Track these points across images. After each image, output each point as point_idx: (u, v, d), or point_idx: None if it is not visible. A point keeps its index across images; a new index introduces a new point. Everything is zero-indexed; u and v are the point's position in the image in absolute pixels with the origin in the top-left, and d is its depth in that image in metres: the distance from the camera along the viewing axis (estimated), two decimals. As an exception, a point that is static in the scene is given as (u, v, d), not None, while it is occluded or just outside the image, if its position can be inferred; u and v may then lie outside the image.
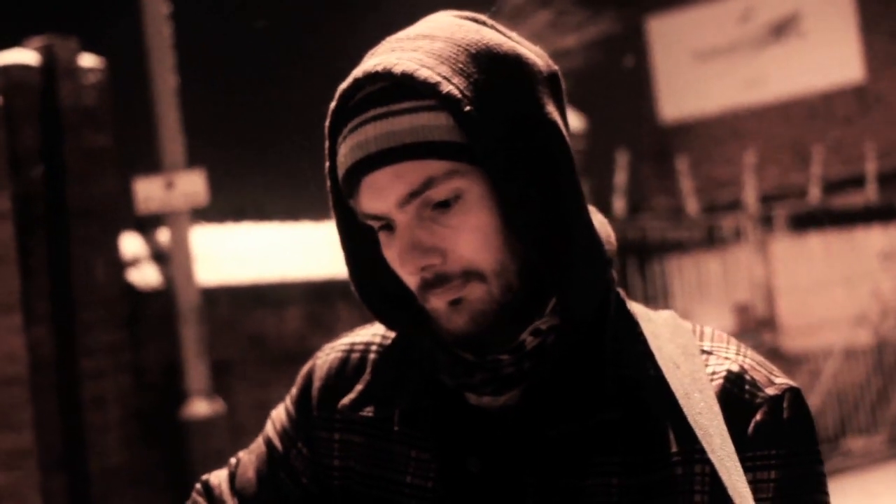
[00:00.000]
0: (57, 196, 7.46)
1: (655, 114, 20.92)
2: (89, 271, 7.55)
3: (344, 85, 1.70)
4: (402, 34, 1.74)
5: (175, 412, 7.74)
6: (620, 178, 15.59)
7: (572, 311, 1.71)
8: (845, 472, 13.49)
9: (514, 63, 1.70)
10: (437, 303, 1.69)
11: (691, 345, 1.76)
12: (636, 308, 1.82)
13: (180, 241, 7.98)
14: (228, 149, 7.57)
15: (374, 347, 1.92)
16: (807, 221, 16.32)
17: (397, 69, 1.64)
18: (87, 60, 7.73)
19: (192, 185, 7.93)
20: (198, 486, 2.03)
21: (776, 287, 15.66)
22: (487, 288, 1.67)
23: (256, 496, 1.96)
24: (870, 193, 16.86)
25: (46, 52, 7.59)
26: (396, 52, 1.68)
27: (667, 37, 20.55)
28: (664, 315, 1.83)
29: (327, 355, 1.96)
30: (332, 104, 1.71)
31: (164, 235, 8.20)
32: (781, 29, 20.47)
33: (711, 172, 17.61)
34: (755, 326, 14.93)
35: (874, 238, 16.14)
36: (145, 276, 8.01)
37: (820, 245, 16.09)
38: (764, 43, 20.71)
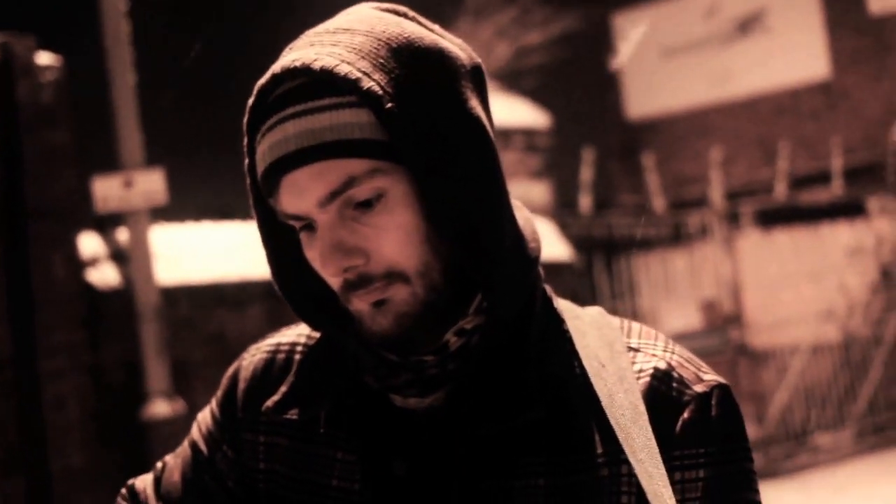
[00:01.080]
0: (14, 195, 7.41)
1: (621, 110, 20.95)
2: (48, 270, 7.50)
3: (262, 80, 1.67)
4: (321, 27, 1.71)
5: (135, 412, 7.70)
6: (586, 174, 15.60)
7: (498, 310, 1.69)
8: (813, 467, 13.55)
9: (436, 57, 1.67)
10: (360, 304, 1.67)
11: (618, 342, 1.75)
12: (563, 305, 1.80)
13: (139, 241, 7.94)
14: (188, 147, 7.54)
15: (299, 348, 1.90)
16: (773, 217, 16.39)
17: (316, 65, 1.61)
18: (45, 58, 7.67)
19: (151, 184, 7.90)
20: (123, 491, 2.01)
21: (743, 283, 15.70)
22: (411, 289, 1.65)
23: (182, 500, 1.94)
24: (836, 189, 16.93)
25: (3, 50, 7.53)
26: (316, 47, 1.65)
27: (632, 33, 20.56)
28: (591, 312, 1.81)
29: (253, 356, 1.94)
30: (251, 100, 1.68)
31: (123, 235, 8.16)
32: (747, 25, 20.52)
33: (678, 169, 17.65)
34: (722, 323, 14.97)
35: (841, 234, 16.22)
36: (104, 275, 7.96)
37: (787, 241, 16.16)
38: (730, 39, 20.76)
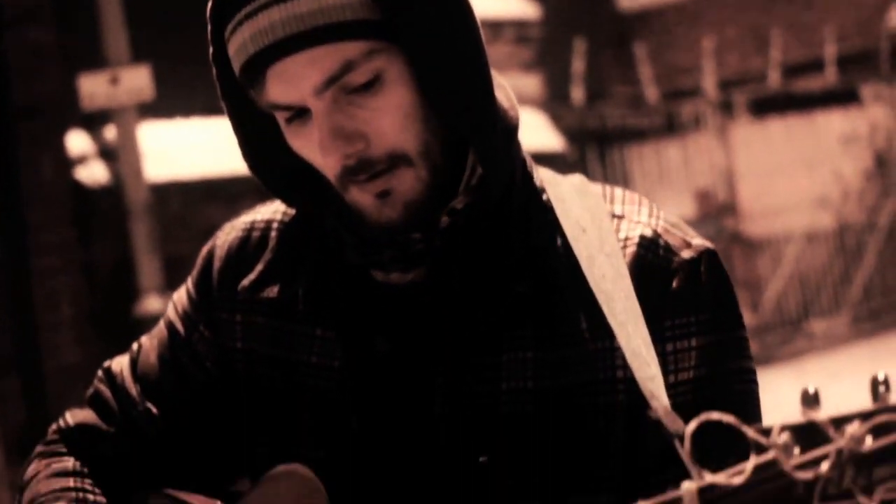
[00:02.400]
0: (0, 95, 7.37)
1: (613, 0, 20.77)
2: (36, 170, 7.48)
3: None
4: None
5: (128, 309, 7.71)
6: (578, 66, 15.50)
7: (490, 185, 1.66)
8: (808, 353, 13.64)
9: None
10: (361, 196, 1.62)
11: (600, 209, 1.70)
12: (544, 173, 1.76)
13: (127, 138, 7.90)
14: (175, 42, 7.45)
15: (275, 225, 1.86)
16: (767, 106, 16.31)
17: None
18: (26, -45, 7.59)
19: (138, 81, 7.83)
20: (99, 373, 1.99)
21: (737, 172, 15.69)
22: (415, 172, 1.61)
23: (159, 381, 1.91)
24: (830, 77, 16.82)
25: (-17, -52, 7.45)
26: None
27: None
28: (573, 179, 1.77)
29: (227, 234, 1.90)
30: None
31: (111, 132, 8.12)
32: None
33: (670, 59, 17.53)
34: (716, 212, 14.99)
35: (835, 121, 16.16)
36: (93, 173, 7.95)
37: (780, 129, 16.11)
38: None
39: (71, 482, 1.92)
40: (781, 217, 15.45)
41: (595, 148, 14.27)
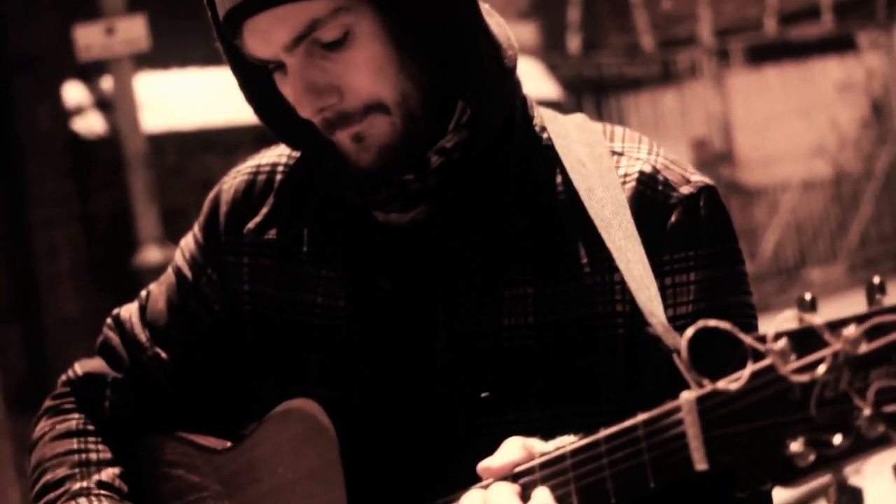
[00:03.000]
0: (-5, 45, 7.35)
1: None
2: (33, 122, 7.47)
3: None
4: None
5: (127, 260, 7.71)
6: (574, 15, 15.47)
7: (482, 122, 1.67)
8: (804, 301, 13.63)
9: None
10: (342, 138, 1.65)
11: (600, 145, 1.71)
12: (544, 112, 1.77)
13: (124, 88, 7.87)
14: (170, -8, 7.44)
15: (280, 168, 1.88)
16: (763, 54, 16.27)
17: None
18: None
19: (133, 31, 7.80)
20: (108, 321, 2.00)
21: (733, 121, 15.68)
22: (390, 119, 1.63)
23: (167, 326, 1.93)
24: (826, 24, 16.78)
25: None
26: None
27: None
28: (574, 118, 1.79)
29: (233, 179, 1.91)
30: None
31: (107, 83, 8.09)
32: None
33: (666, 7, 17.48)
34: (713, 161, 14.97)
35: (831, 69, 16.12)
36: (90, 124, 7.93)
37: (777, 77, 16.07)
38: None
39: (75, 444, 1.93)
40: (778, 165, 15.44)
41: (591, 97, 14.23)
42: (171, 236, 7.90)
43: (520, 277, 1.66)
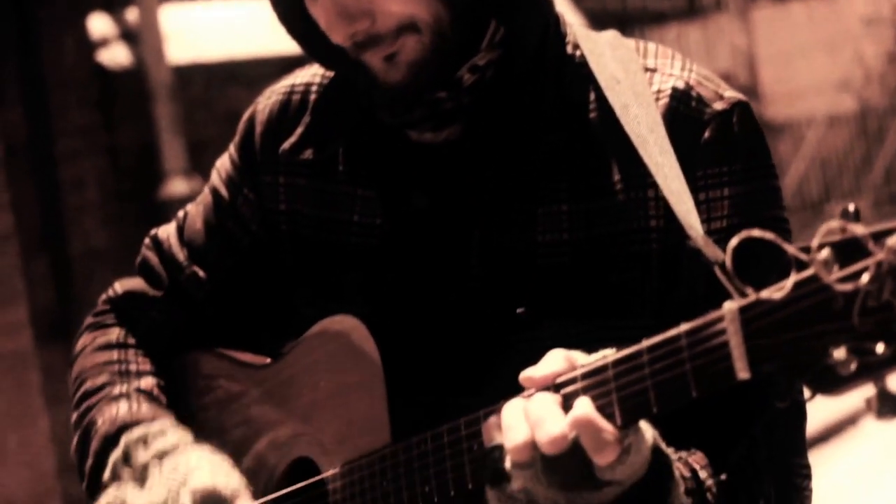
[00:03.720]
0: (21, -23, 7.33)
1: None
2: (58, 53, 7.45)
3: None
4: None
5: (153, 192, 7.72)
6: (598, -53, 15.35)
7: (516, 42, 1.67)
8: (828, 236, 13.60)
9: None
10: (372, 59, 1.65)
11: (634, 62, 1.72)
12: (577, 30, 1.78)
13: (150, 20, 7.84)
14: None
15: (314, 88, 1.88)
16: (789, -13, 16.15)
17: None
18: None
19: (159, -38, 7.79)
20: (147, 240, 2.02)
21: (758, 55, 15.58)
22: (420, 38, 1.63)
23: (205, 246, 1.95)
24: (853, -43, 16.64)
25: None
26: None
27: None
28: (607, 35, 1.79)
29: (268, 99, 1.93)
30: None
31: (133, 14, 8.06)
32: None
33: (692, -60, 17.35)
34: (737, 95, 14.86)
35: (857, 2, 15.98)
36: (116, 56, 7.90)
37: (802, 11, 15.95)
38: None
39: (115, 355, 1.96)
40: (803, 100, 15.35)
41: (615, 31, 14.14)
42: (198, 168, 7.91)
43: (554, 195, 1.67)
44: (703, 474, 1.54)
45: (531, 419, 1.36)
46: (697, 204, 1.60)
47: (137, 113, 7.84)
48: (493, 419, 1.44)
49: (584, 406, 1.34)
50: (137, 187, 7.77)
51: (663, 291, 1.63)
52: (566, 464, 1.35)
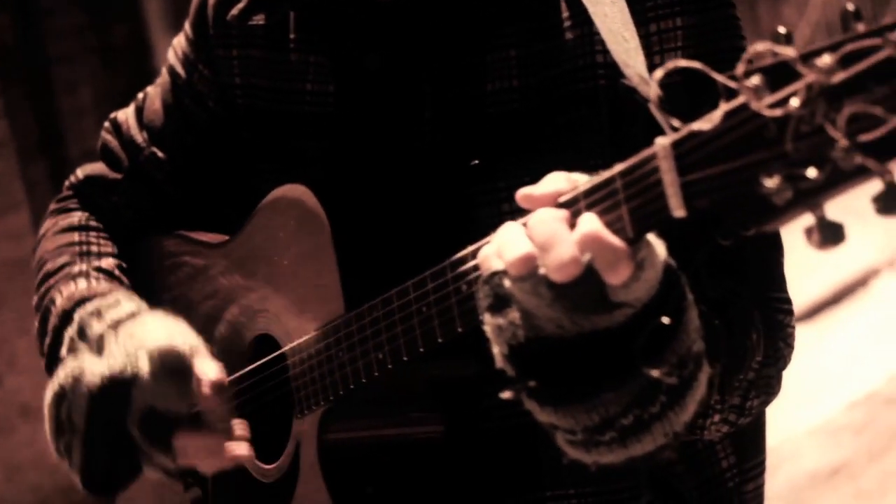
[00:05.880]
0: None
1: None
2: (44, -46, 7.39)
3: None
4: None
5: (148, 91, 7.69)
6: None
7: None
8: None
9: None
10: None
11: None
12: None
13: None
14: None
15: None
16: None
17: None
18: None
19: None
20: (106, 124, 2.01)
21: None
22: None
23: (164, 125, 1.95)
24: None
25: None
26: None
27: None
28: None
29: None
30: None
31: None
32: None
33: None
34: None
35: None
36: (101, -46, 7.84)
37: None
38: None
39: (76, 237, 1.95)
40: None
41: None
42: (190, 64, 7.87)
43: (502, 41, 1.64)
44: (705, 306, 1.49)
45: (536, 241, 1.23)
46: (648, 36, 1.57)
47: (127, 12, 7.78)
48: (484, 249, 1.32)
49: (592, 221, 1.21)
50: (131, 86, 7.69)
51: (612, 131, 1.58)
52: (577, 287, 1.22)
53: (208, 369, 1.68)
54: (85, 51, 7.49)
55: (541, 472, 1.64)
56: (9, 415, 6.34)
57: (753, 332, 1.57)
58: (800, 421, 6.17)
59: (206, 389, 1.67)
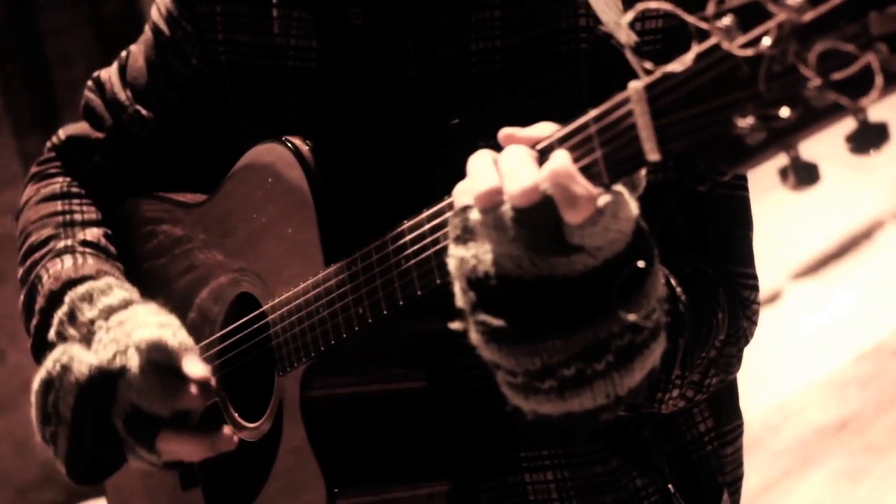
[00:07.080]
0: None
1: None
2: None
3: None
4: None
5: (142, 62, 7.67)
6: None
7: None
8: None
9: None
10: None
11: None
12: None
13: None
14: None
15: None
16: None
17: None
18: None
19: None
20: (89, 83, 2.00)
21: None
22: None
23: (147, 84, 1.93)
24: None
25: None
26: None
27: None
28: None
29: None
30: None
31: None
32: None
33: None
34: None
35: None
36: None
37: None
38: None
39: (59, 205, 1.93)
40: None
41: None
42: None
43: (486, 1, 1.63)
44: (673, 281, 1.49)
45: (502, 169, 1.26)
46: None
47: (119, -18, 7.76)
48: (459, 185, 1.33)
49: (561, 157, 1.21)
50: (126, 58, 7.72)
51: (594, 91, 1.57)
52: (535, 218, 1.22)
53: (196, 368, 1.67)
54: (78, 23, 7.47)
55: (515, 432, 1.65)
56: (12, 391, 6.33)
57: (719, 312, 1.57)
58: (806, 375, 6.17)
59: (192, 388, 1.67)
